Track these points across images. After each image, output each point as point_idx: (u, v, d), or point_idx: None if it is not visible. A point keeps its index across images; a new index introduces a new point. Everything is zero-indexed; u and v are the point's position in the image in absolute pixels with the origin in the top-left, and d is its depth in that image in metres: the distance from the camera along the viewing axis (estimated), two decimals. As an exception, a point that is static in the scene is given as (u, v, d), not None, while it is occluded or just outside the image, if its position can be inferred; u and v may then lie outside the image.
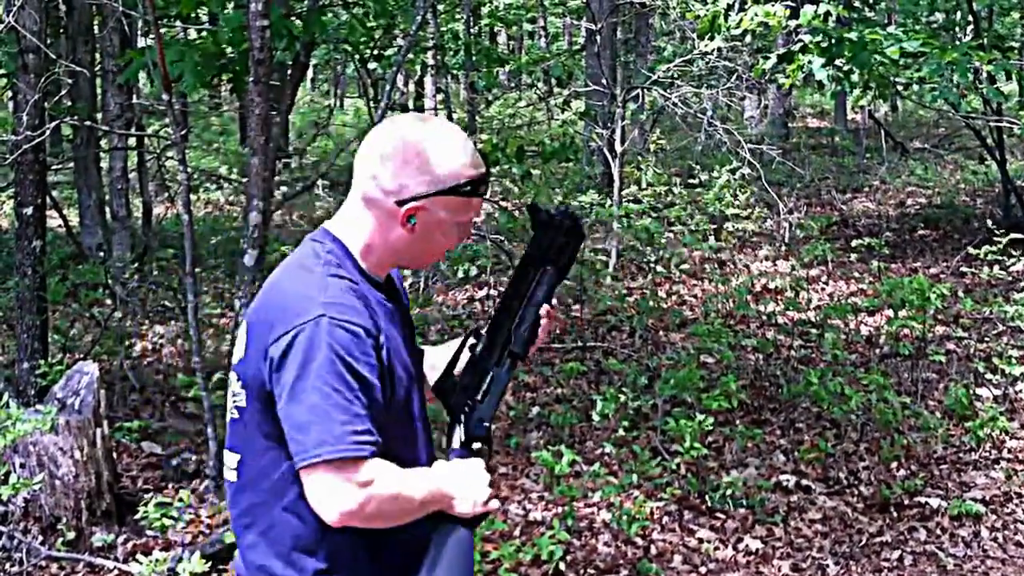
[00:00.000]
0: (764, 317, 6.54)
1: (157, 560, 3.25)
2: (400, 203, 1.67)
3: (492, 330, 1.84)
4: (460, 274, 7.52)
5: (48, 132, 4.97)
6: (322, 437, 1.54)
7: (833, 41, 6.04)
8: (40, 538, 3.78)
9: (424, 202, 1.67)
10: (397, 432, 1.67)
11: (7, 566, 3.67)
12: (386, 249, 1.71)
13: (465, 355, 1.85)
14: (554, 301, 1.89)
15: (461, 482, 1.71)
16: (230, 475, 1.71)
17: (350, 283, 1.65)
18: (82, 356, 5.52)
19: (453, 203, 1.69)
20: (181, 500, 3.83)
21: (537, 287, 1.86)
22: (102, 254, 7.81)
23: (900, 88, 8.41)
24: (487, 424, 1.80)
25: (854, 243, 7.77)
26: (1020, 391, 5.32)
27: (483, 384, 1.81)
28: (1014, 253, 6.90)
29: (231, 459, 1.71)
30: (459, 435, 1.79)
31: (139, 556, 3.43)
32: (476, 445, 1.78)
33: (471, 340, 1.85)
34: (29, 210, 4.96)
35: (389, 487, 1.59)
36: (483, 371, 1.82)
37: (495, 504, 1.74)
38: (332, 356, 1.56)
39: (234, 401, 1.69)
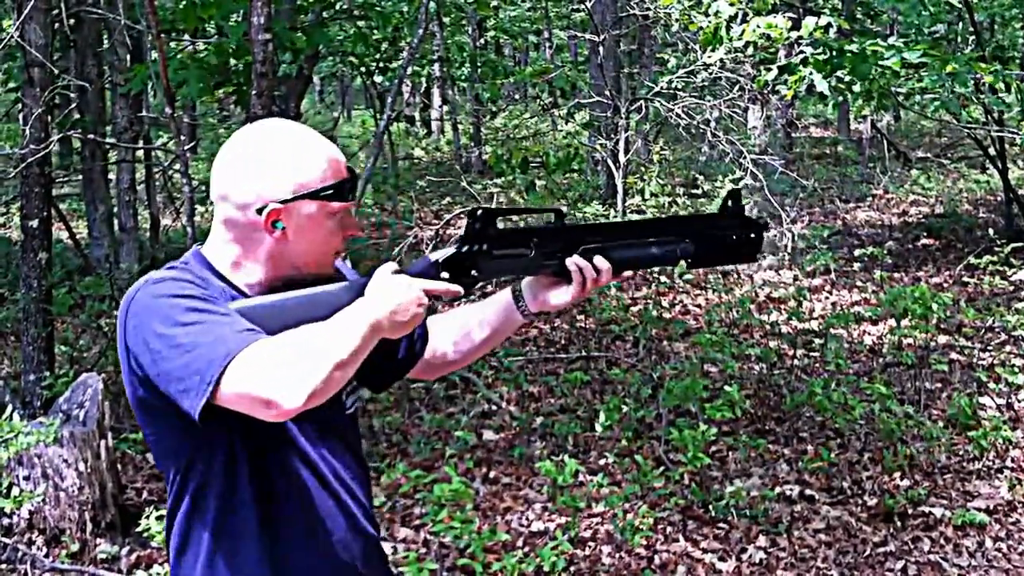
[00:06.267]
0: (767, 327, 6.55)
1: (159, 573, 3.25)
2: (260, 211, 1.56)
3: (571, 228, 1.63)
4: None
5: (54, 145, 5.01)
6: (208, 356, 1.40)
7: (834, 53, 6.06)
8: (44, 550, 3.79)
9: (287, 205, 1.56)
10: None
11: (12, 577, 3.68)
12: (264, 263, 1.60)
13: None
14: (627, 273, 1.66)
15: (394, 309, 1.49)
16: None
17: (193, 275, 1.56)
18: (88, 368, 5.54)
19: (319, 204, 1.58)
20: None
21: (656, 245, 1.64)
22: (109, 265, 7.85)
23: (901, 99, 8.42)
24: (475, 275, 1.60)
25: (857, 252, 7.78)
26: (1023, 400, 5.31)
27: (511, 249, 1.62)
28: (1015, 263, 6.90)
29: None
30: (441, 254, 1.60)
31: (143, 568, 3.44)
32: (444, 275, 1.59)
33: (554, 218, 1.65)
34: (35, 223, 5.00)
35: (302, 335, 1.42)
36: (522, 240, 1.63)
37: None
38: (169, 300, 1.46)
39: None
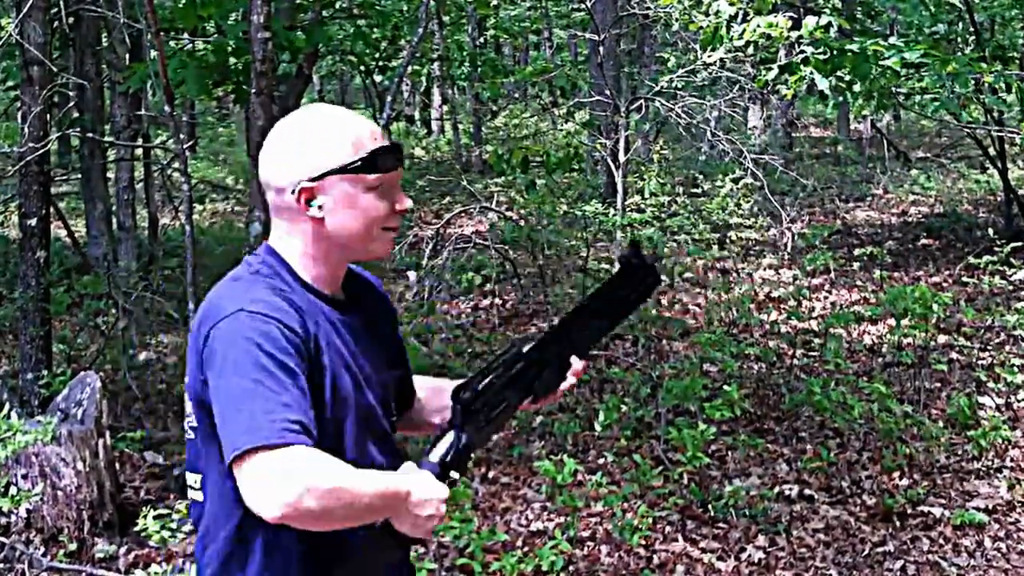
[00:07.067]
0: (767, 326, 6.54)
1: (156, 572, 3.25)
2: (295, 192, 1.58)
3: (533, 357, 1.72)
4: (464, 283, 7.54)
5: (52, 143, 5.01)
6: (247, 426, 1.43)
7: (834, 52, 6.06)
8: (42, 549, 3.78)
9: (317, 183, 1.57)
10: (323, 444, 1.53)
11: (9, 576, 3.68)
12: (319, 250, 1.62)
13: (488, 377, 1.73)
14: (583, 363, 1.80)
15: (422, 495, 1.56)
16: (195, 495, 1.64)
17: (280, 288, 1.57)
18: (86, 366, 5.54)
19: (353, 177, 1.59)
20: (178, 512, 3.83)
21: (589, 336, 1.76)
22: (107, 264, 7.84)
23: (901, 99, 8.42)
24: (471, 457, 1.68)
25: (857, 252, 7.77)
26: (1022, 400, 5.31)
27: (495, 410, 1.69)
28: (1015, 263, 6.90)
29: (193, 479, 1.64)
30: (443, 451, 1.63)
31: (140, 567, 3.44)
32: (454, 474, 1.63)
33: (512, 353, 1.72)
34: (33, 221, 4.99)
35: (329, 478, 1.43)
36: (501, 398, 1.70)
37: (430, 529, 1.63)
38: (249, 346, 1.47)
39: (188, 421, 1.63)
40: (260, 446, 1.41)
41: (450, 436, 1.64)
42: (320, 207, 1.58)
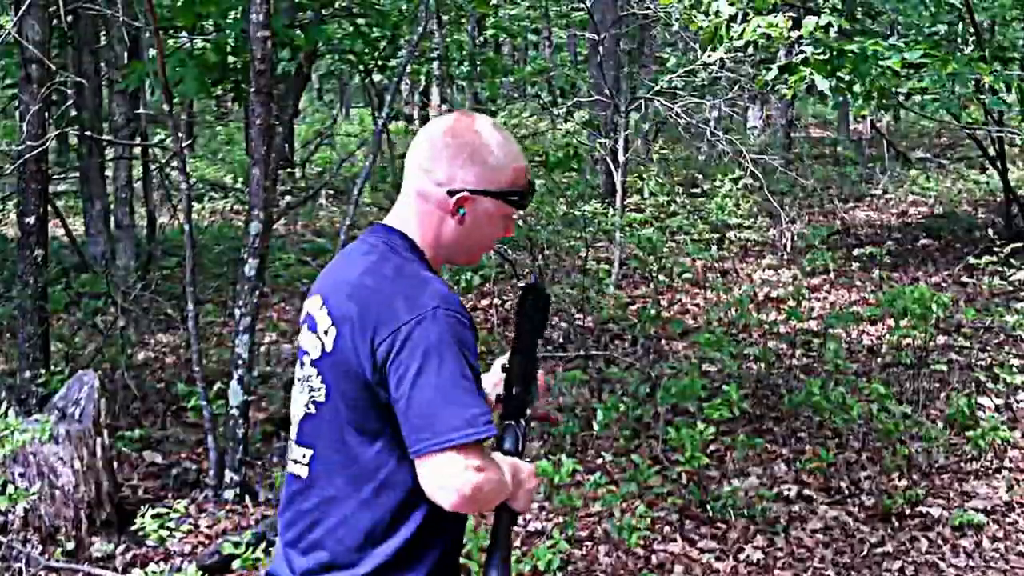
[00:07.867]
0: (766, 326, 6.54)
1: (153, 571, 3.24)
2: (451, 193, 1.71)
3: (515, 387, 1.89)
4: (463, 283, 7.53)
5: (50, 142, 5.00)
6: (453, 422, 1.57)
7: (834, 52, 6.06)
8: (39, 548, 3.78)
9: (475, 196, 1.72)
10: None
11: None
12: (441, 244, 1.75)
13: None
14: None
15: (527, 470, 1.78)
16: (299, 470, 1.72)
17: (441, 281, 1.70)
18: (84, 365, 5.53)
19: (499, 204, 1.75)
20: (176, 511, 3.83)
21: (534, 352, 1.95)
22: (105, 263, 7.83)
23: (901, 99, 8.41)
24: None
25: (856, 252, 7.77)
26: (1021, 401, 5.30)
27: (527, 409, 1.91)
28: (1015, 263, 6.89)
29: (301, 454, 1.72)
30: (512, 442, 1.83)
31: (138, 566, 3.43)
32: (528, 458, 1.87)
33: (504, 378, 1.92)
34: (31, 219, 4.98)
35: (497, 473, 1.64)
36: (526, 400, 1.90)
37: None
38: (454, 344, 1.60)
39: (311, 396, 1.71)
40: (461, 444, 1.57)
41: (512, 431, 1.84)
42: (463, 215, 1.73)
